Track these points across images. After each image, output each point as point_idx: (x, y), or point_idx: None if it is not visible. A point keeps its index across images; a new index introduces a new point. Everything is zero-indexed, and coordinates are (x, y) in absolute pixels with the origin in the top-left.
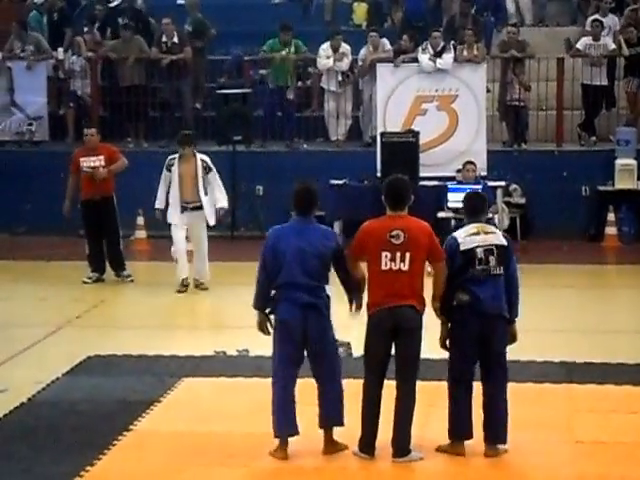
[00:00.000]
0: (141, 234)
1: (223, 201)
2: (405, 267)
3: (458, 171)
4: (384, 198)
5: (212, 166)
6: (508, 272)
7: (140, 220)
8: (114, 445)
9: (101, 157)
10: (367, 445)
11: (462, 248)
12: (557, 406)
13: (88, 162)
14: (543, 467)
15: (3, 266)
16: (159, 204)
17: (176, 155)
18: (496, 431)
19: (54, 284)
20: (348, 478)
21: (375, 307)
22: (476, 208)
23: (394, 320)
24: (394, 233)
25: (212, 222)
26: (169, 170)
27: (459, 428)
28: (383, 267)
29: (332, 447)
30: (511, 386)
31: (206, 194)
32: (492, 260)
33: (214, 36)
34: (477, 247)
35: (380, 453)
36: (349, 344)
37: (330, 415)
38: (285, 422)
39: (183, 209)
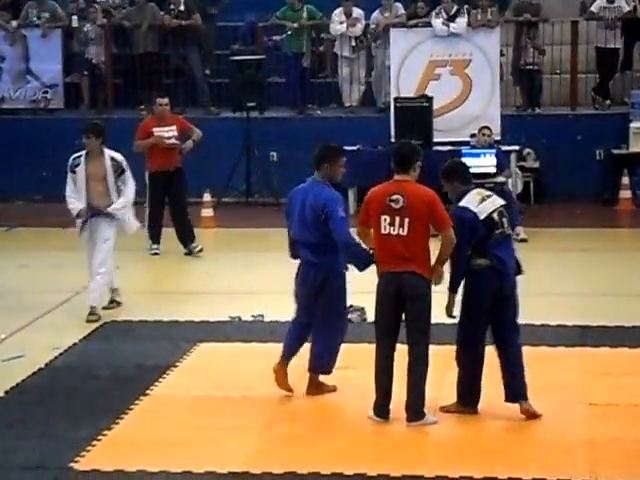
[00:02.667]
0: None
1: (119, 210)
2: (404, 232)
3: (472, 136)
4: (391, 162)
5: (126, 167)
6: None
7: None
8: (131, 409)
9: (174, 127)
10: (381, 409)
11: (481, 217)
12: (571, 369)
13: (161, 133)
14: (557, 429)
15: (19, 233)
16: (78, 205)
17: (82, 153)
18: (517, 389)
19: (70, 251)
20: (363, 441)
21: (380, 271)
22: (468, 174)
23: (398, 286)
24: (394, 197)
25: (130, 231)
26: (73, 172)
27: (467, 395)
28: (382, 231)
29: (313, 389)
30: (525, 349)
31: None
32: (505, 222)
33: (227, 3)
34: (492, 212)
35: (395, 417)
36: (363, 309)
37: (311, 363)
38: (285, 350)
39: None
